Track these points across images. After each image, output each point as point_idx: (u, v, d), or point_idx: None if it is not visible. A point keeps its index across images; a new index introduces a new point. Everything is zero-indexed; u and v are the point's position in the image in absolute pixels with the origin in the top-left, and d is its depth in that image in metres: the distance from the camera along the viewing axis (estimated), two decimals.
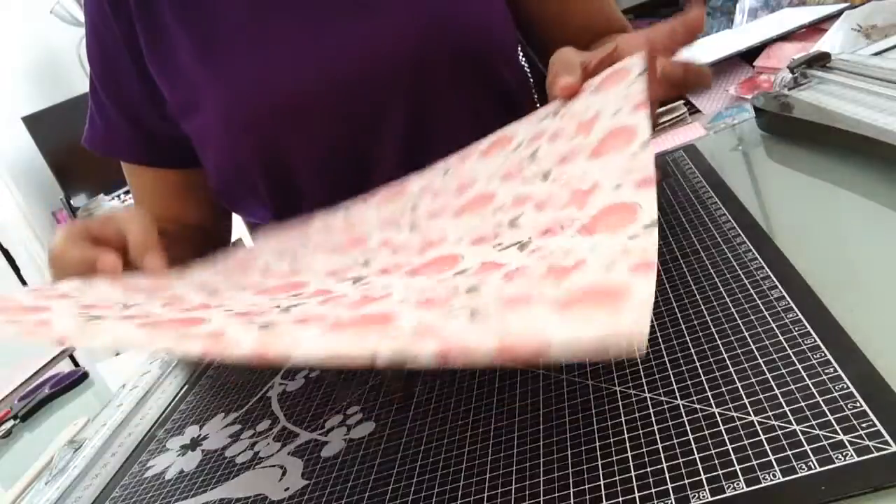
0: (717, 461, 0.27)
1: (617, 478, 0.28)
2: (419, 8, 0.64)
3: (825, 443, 0.26)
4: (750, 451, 0.27)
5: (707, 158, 0.53)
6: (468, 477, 0.32)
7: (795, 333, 0.32)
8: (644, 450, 0.29)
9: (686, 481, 0.27)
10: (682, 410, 0.30)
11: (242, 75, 0.65)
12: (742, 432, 0.28)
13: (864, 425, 0.26)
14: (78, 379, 0.75)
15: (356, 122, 0.65)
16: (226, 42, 0.65)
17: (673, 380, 0.32)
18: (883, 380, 0.27)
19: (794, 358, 0.30)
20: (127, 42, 0.69)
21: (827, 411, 0.27)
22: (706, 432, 0.28)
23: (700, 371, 0.32)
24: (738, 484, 0.26)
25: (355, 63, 0.64)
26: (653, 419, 0.30)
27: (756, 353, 0.31)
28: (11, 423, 0.71)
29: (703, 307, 0.36)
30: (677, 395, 0.31)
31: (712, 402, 0.30)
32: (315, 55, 0.64)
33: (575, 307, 0.24)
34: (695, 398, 0.31)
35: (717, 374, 0.31)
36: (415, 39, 0.63)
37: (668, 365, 0.33)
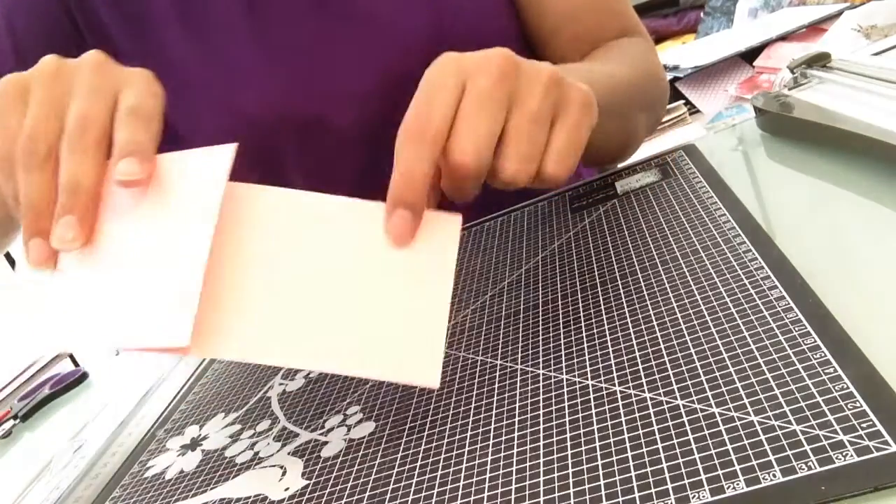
0: (717, 461, 0.27)
1: (617, 478, 0.28)
2: (418, 12, 0.63)
3: (825, 443, 0.26)
4: (750, 451, 0.27)
5: (707, 158, 0.53)
6: (468, 477, 0.32)
7: (795, 333, 0.32)
8: (644, 450, 0.29)
9: (686, 481, 0.27)
10: (682, 410, 0.30)
11: (245, 92, 0.63)
12: (742, 432, 0.28)
13: (864, 425, 0.26)
14: (78, 379, 0.75)
15: (365, 132, 0.64)
16: (226, 56, 0.63)
17: (673, 380, 0.32)
18: (883, 380, 0.27)
19: (794, 358, 0.30)
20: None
21: (827, 411, 0.27)
22: (706, 432, 0.28)
23: (700, 371, 0.32)
24: (738, 484, 0.26)
25: (364, 77, 0.62)
26: (653, 419, 0.30)
27: (756, 353, 0.31)
28: (11, 423, 0.71)
29: (703, 307, 0.36)
30: (677, 395, 0.31)
31: (712, 402, 0.30)
32: (321, 70, 0.62)
33: None
34: (695, 398, 0.31)
35: (717, 374, 0.31)
36: (422, 43, 0.62)
37: (668, 365, 0.33)
